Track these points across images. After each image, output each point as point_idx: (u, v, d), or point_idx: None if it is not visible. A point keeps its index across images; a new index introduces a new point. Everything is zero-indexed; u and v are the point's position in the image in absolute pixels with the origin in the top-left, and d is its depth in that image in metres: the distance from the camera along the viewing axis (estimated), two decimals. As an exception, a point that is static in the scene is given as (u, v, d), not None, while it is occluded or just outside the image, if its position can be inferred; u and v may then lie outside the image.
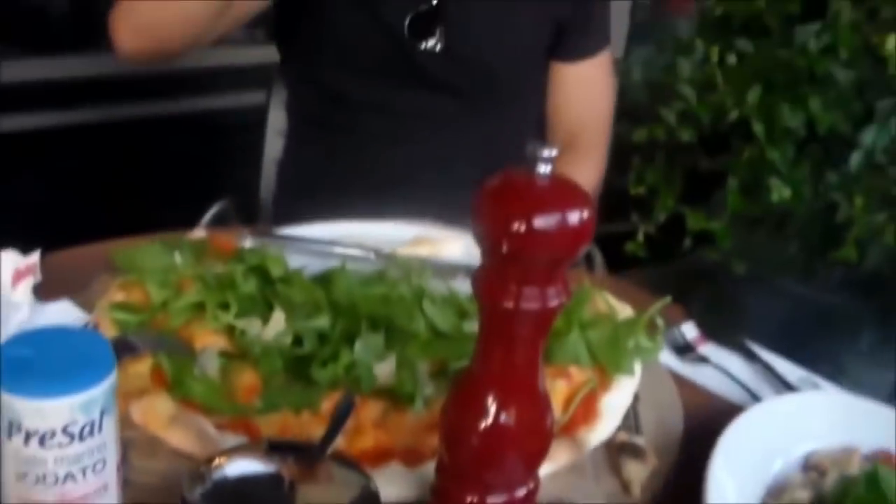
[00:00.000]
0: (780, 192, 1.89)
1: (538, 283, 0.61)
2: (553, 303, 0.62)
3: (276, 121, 1.71)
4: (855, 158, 1.90)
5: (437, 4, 1.37)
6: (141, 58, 1.28)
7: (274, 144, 1.71)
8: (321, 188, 1.47)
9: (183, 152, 2.37)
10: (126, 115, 2.29)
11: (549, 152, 0.59)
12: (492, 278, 0.62)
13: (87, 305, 1.02)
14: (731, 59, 1.96)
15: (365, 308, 0.95)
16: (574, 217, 0.60)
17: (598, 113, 1.53)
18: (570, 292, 0.64)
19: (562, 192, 0.61)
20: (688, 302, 1.20)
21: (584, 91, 1.51)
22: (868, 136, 1.88)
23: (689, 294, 2.36)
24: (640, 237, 2.04)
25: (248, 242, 1.13)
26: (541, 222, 0.59)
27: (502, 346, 0.65)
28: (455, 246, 1.15)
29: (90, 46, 2.16)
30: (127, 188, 2.32)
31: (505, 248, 0.60)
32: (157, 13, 1.22)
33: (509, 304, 0.62)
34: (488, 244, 0.61)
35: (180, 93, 2.32)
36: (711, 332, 1.14)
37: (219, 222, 1.59)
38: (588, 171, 1.50)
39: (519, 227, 0.58)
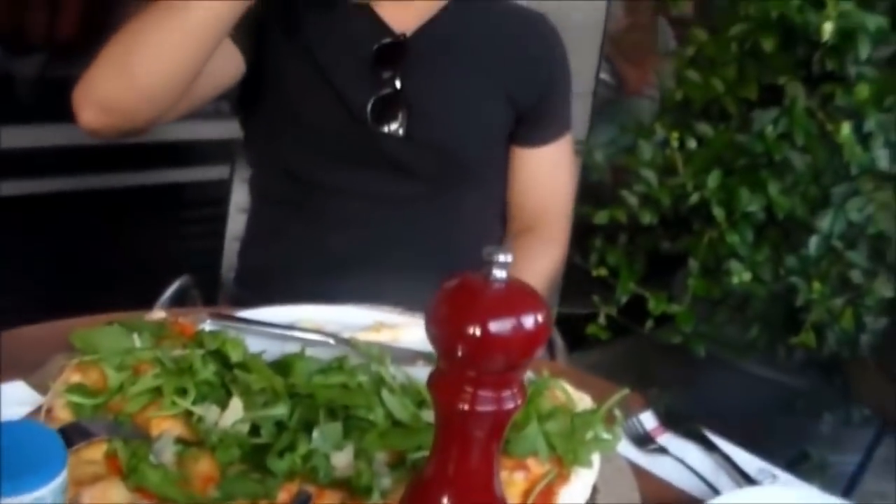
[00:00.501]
0: (740, 275, 1.92)
1: (493, 387, 0.62)
2: (508, 405, 0.62)
3: (239, 197, 1.71)
4: (813, 243, 1.94)
5: (400, 89, 1.39)
6: (104, 133, 1.28)
7: (236, 221, 1.71)
8: (282, 269, 1.46)
9: (145, 227, 2.36)
10: (85, 186, 2.28)
11: (504, 257, 0.60)
12: (447, 381, 0.63)
13: (42, 387, 1.00)
14: (691, 143, 2.00)
15: (323, 396, 0.95)
16: (529, 321, 0.60)
17: (559, 197, 1.55)
18: (525, 394, 0.64)
19: (517, 297, 0.62)
20: (649, 381, 1.20)
21: (545, 176, 1.53)
22: (825, 222, 1.92)
23: (651, 374, 2.37)
24: (602, 319, 2.06)
25: (207, 325, 1.12)
26: (496, 327, 0.59)
27: (457, 446, 0.65)
28: (415, 332, 1.15)
29: (49, 117, 2.15)
30: (86, 262, 2.30)
31: (460, 352, 0.60)
32: (120, 91, 1.22)
33: (464, 407, 0.62)
34: (443, 348, 0.61)
35: (142, 166, 2.31)
36: (672, 416, 1.14)
37: (179, 299, 1.58)
38: (549, 255, 1.51)
39: (474, 331, 0.59)
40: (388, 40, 1.39)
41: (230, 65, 1.36)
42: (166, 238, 2.35)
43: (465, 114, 1.43)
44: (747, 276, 1.92)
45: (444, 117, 1.42)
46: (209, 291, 1.71)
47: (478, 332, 0.59)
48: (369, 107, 1.38)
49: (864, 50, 1.75)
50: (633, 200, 2.00)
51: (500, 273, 0.61)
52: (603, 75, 3.22)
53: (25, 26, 2.50)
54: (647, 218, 2.00)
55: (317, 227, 1.44)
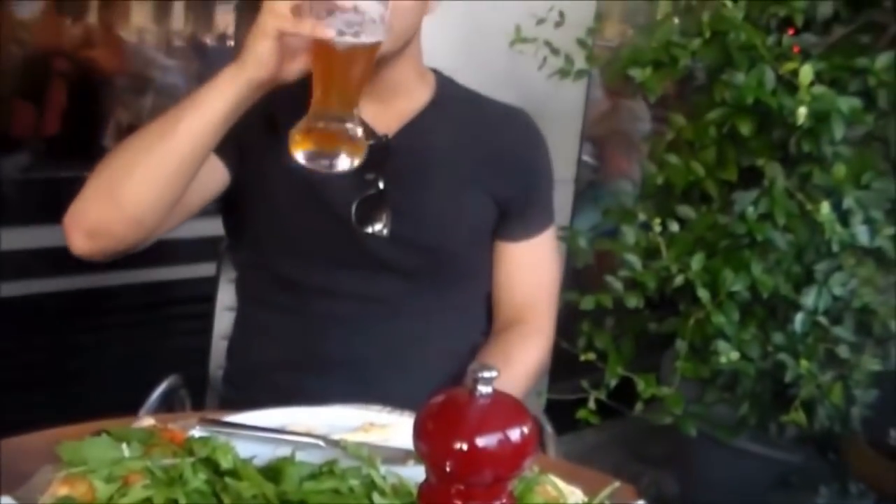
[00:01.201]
0: (728, 355, 1.93)
1: (482, 499, 0.62)
2: (498, 516, 0.62)
3: (226, 296, 1.71)
4: (799, 320, 1.95)
5: (383, 189, 1.40)
6: (96, 256, 1.30)
7: (223, 320, 1.70)
8: (270, 369, 1.46)
9: (132, 325, 2.35)
10: (71, 286, 2.28)
11: (489, 373, 0.60)
12: (436, 494, 0.63)
13: (28, 501, 0.99)
14: (674, 226, 2.02)
15: (315, 502, 0.94)
16: (515, 434, 0.60)
17: (544, 290, 1.55)
18: (514, 501, 0.64)
19: (503, 411, 0.62)
20: (641, 461, 1.20)
21: (530, 269, 1.53)
22: (810, 298, 1.94)
23: (642, 453, 2.36)
24: (592, 404, 2.06)
25: (197, 431, 1.11)
26: (483, 442, 0.60)
27: (449, 560, 0.65)
28: (405, 430, 1.14)
29: (34, 218, 2.16)
30: (74, 361, 2.29)
31: (448, 467, 0.60)
32: (109, 218, 1.26)
33: (455, 521, 0.62)
34: (432, 463, 0.62)
35: (128, 264, 2.31)
36: (666, 500, 1.13)
37: (168, 400, 1.57)
38: (537, 347, 1.51)
39: (461, 446, 0.59)
40: (370, 142, 1.41)
41: (215, 177, 1.38)
42: (154, 335, 2.35)
43: (448, 212, 1.44)
44: (735, 356, 1.92)
45: (427, 216, 1.43)
46: (198, 388, 1.70)
47: (465, 447, 0.60)
48: (353, 208, 1.39)
49: (839, 131, 1.78)
50: (618, 285, 2.01)
51: (485, 388, 0.61)
52: (585, 157, 3.27)
53: (10, 125, 2.54)
54: (632, 302, 2.01)
55: (303, 327, 1.44)
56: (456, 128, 1.47)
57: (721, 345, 1.93)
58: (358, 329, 1.41)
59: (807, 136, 1.85)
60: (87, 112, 2.84)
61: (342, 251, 1.40)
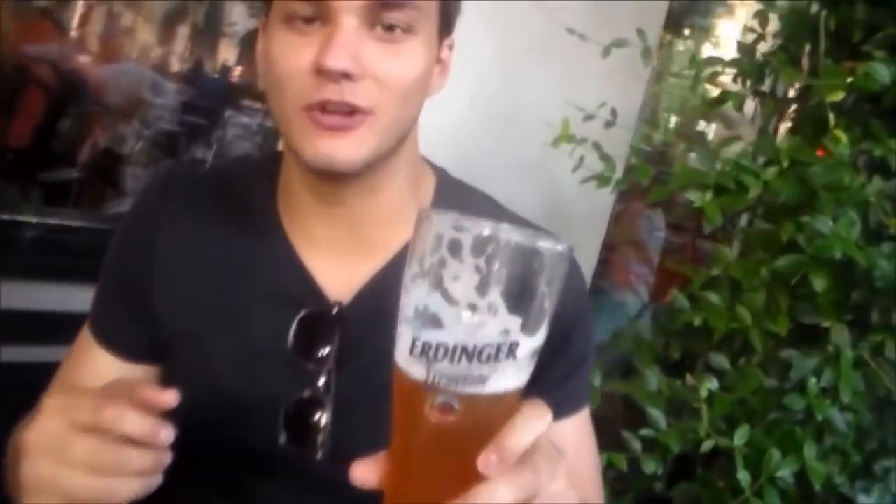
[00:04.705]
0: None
1: None
2: None
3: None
4: (858, 523, 1.60)
5: (324, 390, 1.00)
6: None
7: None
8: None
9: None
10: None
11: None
12: None
13: None
14: (713, 383, 1.65)
15: None
16: None
17: (585, 479, 1.12)
18: None
19: None
20: None
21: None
22: (870, 497, 1.60)
23: None
24: None
25: None
26: None
27: None
28: None
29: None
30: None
31: None
32: None
33: None
34: None
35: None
36: None
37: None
38: None
39: None
40: (308, 311, 1.00)
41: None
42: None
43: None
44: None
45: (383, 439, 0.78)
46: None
47: None
48: (280, 418, 1.00)
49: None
50: (636, 445, 1.65)
51: None
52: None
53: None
54: (651, 467, 1.64)
55: None
56: None
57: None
58: None
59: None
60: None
61: (273, 466, 1.03)
